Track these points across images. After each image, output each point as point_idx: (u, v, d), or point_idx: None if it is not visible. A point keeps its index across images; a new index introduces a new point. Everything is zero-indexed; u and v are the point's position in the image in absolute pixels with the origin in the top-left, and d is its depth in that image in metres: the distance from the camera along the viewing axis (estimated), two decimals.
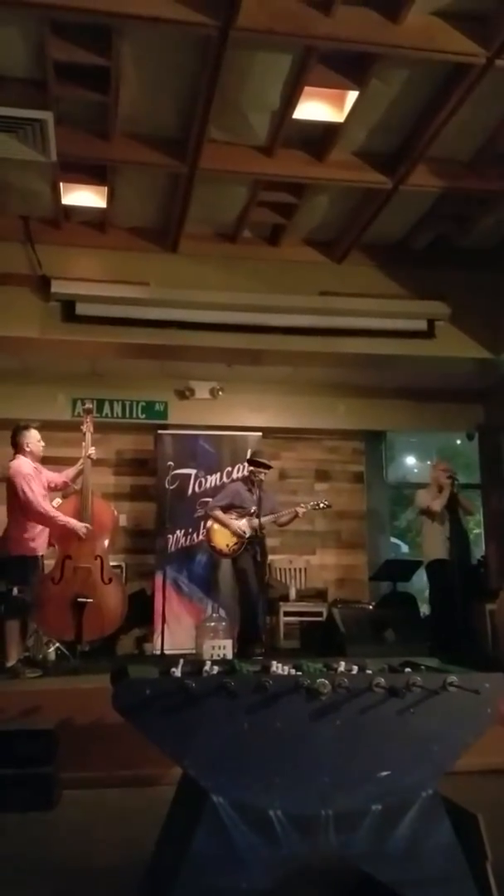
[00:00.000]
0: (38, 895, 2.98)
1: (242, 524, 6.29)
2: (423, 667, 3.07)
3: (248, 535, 6.24)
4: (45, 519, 5.50)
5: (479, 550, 8.74)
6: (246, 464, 6.69)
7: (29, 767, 4.05)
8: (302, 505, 6.48)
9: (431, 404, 8.55)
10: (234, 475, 7.53)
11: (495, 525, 8.35)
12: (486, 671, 2.91)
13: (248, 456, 6.86)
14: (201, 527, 7.24)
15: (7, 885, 3.06)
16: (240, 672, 2.90)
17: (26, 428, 5.70)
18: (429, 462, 10.25)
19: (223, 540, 6.37)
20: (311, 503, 6.54)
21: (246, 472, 6.59)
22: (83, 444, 5.88)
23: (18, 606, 5.39)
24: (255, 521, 6.19)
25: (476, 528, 9.52)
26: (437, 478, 7.08)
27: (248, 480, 6.47)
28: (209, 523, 6.60)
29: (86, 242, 6.58)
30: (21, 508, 5.47)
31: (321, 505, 6.55)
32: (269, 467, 6.49)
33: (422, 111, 5.02)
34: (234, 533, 6.29)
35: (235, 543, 6.29)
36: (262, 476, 6.38)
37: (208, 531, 6.59)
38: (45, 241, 6.43)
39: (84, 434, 5.90)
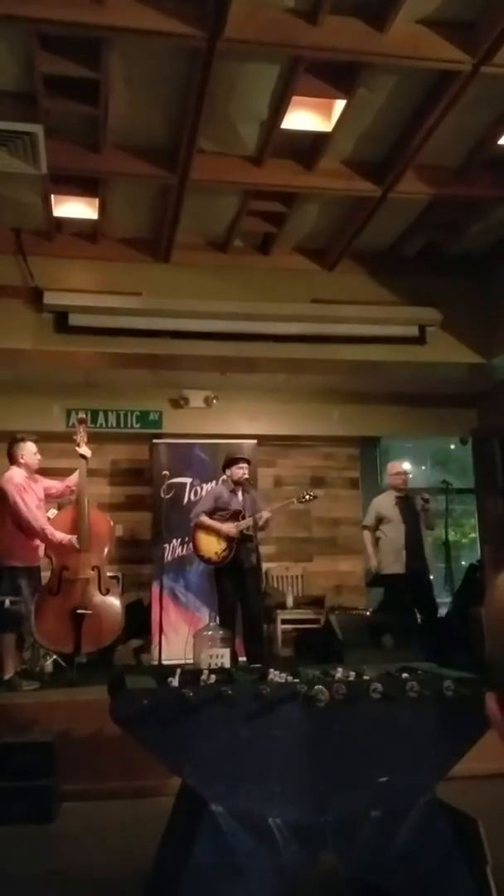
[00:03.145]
0: None
1: (230, 527, 6.11)
2: (420, 672, 3.07)
3: (236, 538, 6.09)
4: (34, 532, 5.49)
5: (474, 554, 8.75)
6: (223, 468, 6.46)
7: (28, 780, 4.03)
8: (293, 500, 6.37)
9: (425, 409, 8.57)
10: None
11: (490, 529, 8.36)
12: (483, 675, 2.92)
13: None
14: None
15: None
16: (237, 681, 2.90)
17: (22, 440, 5.70)
18: (423, 467, 10.28)
19: (211, 547, 6.17)
20: (299, 497, 6.40)
21: (227, 475, 6.37)
22: (77, 451, 5.88)
23: (12, 618, 5.37)
24: (243, 522, 6.08)
25: (472, 532, 9.54)
26: (391, 483, 6.95)
27: (231, 483, 6.30)
28: (195, 533, 6.31)
29: (78, 254, 6.60)
30: (13, 518, 5.46)
31: (307, 497, 6.40)
32: (247, 461, 6.35)
33: (409, 119, 5.05)
34: (223, 537, 6.08)
35: (225, 550, 6.10)
36: (244, 473, 6.21)
37: (194, 541, 6.32)
38: (37, 252, 6.44)
39: (78, 444, 5.91)
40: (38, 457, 5.72)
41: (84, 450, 5.86)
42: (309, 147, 5.36)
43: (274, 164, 5.45)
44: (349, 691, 2.73)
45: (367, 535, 6.99)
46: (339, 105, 4.82)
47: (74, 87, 4.64)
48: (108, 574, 6.11)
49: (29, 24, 4.12)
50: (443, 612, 7.59)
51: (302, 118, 4.98)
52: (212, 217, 6.27)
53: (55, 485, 5.83)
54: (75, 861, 3.47)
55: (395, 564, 6.69)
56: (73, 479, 5.86)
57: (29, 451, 5.65)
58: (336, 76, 4.63)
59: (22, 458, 5.62)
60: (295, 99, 4.76)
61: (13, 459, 5.65)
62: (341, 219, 6.30)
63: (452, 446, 10.01)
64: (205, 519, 6.20)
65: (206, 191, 5.76)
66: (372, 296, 6.94)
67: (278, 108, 4.85)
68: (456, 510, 8.72)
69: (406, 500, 6.88)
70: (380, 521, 6.87)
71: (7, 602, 5.34)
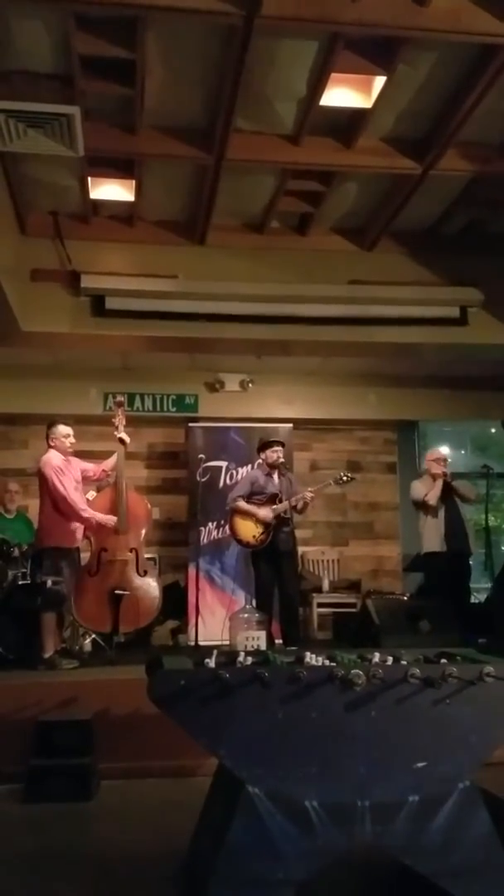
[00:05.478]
0: (77, 885, 3.02)
1: (266, 511, 6.08)
2: (458, 657, 3.03)
3: (272, 522, 6.07)
4: (73, 512, 5.53)
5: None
6: (258, 451, 6.42)
7: (66, 758, 4.09)
8: (329, 482, 6.32)
9: (464, 392, 8.44)
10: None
11: None
12: None
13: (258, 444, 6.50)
14: None
15: (47, 875, 3.09)
16: (273, 663, 2.90)
17: (54, 423, 5.76)
18: (462, 452, 10.13)
19: (248, 531, 6.14)
20: (336, 478, 6.31)
21: (262, 458, 6.32)
22: (115, 433, 5.90)
23: (54, 598, 5.44)
24: (279, 506, 6.04)
25: None
26: (429, 468, 6.84)
27: (267, 466, 6.26)
28: (232, 517, 6.30)
29: (114, 237, 6.61)
30: (52, 500, 5.52)
31: (344, 478, 6.28)
32: (282, 444, 6.30)
33: (450, 94, 4.94)
34: (261, 521, 6.06)
35: (262, 533, 6.06)
36: (279, 456, 6.19)
37: (231, 525, 6.32)
38: (74, 236, 6.47)
39: (116, 427, 5.94)
40: (72, 440, 5.75)
41: (123, 435, 5.88)
42: (348, 124, 5.28)
43: (312, 143, 5.38)
44: (386, 675, 2.70)
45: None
46: (380, 81, 4.73)
47: (110, 67, 4.63)
48: (146, 556, 6.15)
49: (65, 3, 4.11)
50: (482, 597, 7.51)
51: (341, 95, 4.90)
52: (248, 198, 6.22)
53: (91, 467, 5.87)
54: (113, 839, 3.51)
55: (436, 545, 6.66)
56: (110, 462, 5.90)
57: (60, 433, 5.69)
58: (376, 52, 4.54)
59: (53, 441, 5.68)
60: (334, 76, 4.69)
61: (49, 442, 5.71)
62: (381, 197, 6.20)
63: (493, 430, 9.84)
64: (241, 504, 6.18)
65: (243, 171, 5.71)
66: (411, 276, 6.83)
67: (317, 86, 4.78)
68: (496, 495, 8.62)
69: (445, 485, 6.78)
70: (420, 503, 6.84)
71: (49, 582, 5.41)
